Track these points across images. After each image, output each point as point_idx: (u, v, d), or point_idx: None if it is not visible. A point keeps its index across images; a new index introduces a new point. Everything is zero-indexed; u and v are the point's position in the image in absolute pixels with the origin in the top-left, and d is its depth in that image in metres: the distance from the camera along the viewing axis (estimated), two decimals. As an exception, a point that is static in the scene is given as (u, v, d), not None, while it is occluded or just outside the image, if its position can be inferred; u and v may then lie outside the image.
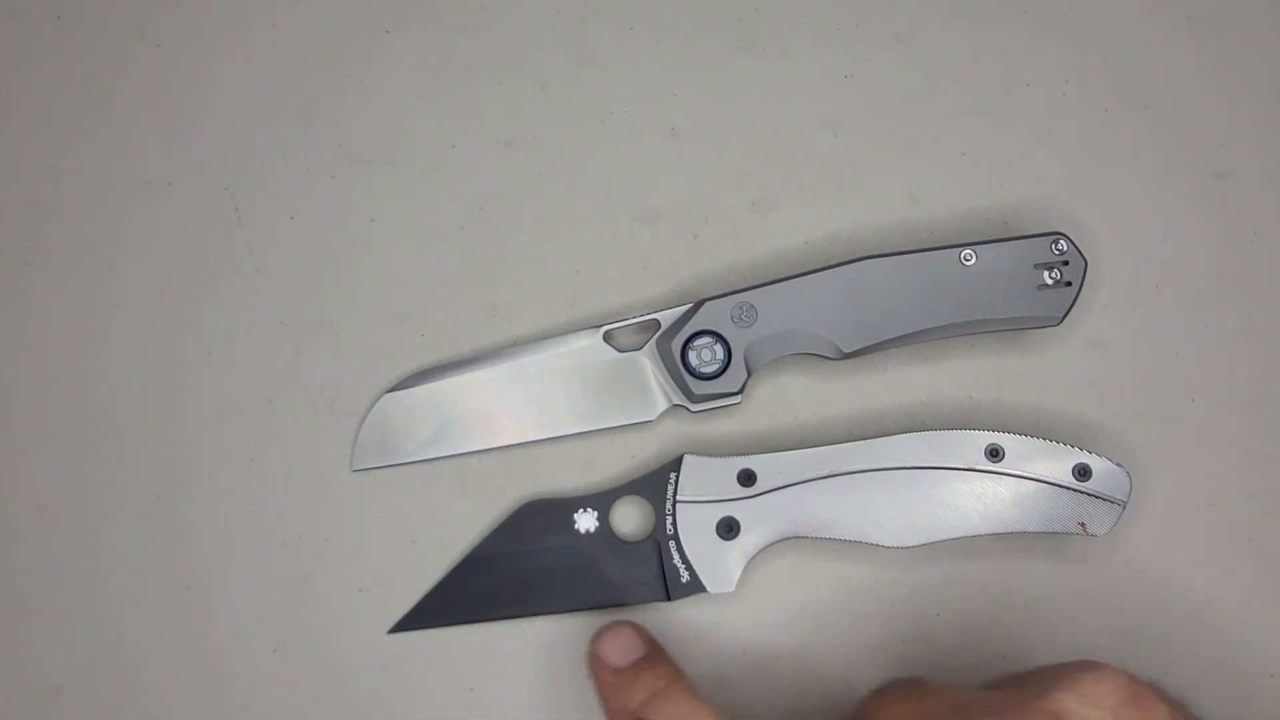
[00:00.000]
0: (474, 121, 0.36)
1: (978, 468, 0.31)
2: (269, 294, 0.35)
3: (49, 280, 0.35)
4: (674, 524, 0.32)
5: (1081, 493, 0.31)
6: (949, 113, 0.36)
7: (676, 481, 0.32)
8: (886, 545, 0.31)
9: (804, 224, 0.35)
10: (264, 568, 0.33)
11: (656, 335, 0.33)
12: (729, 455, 0.32)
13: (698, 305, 0.32)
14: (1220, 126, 0.36)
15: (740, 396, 0.33)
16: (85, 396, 0.34)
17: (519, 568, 0.32)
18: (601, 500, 0.33)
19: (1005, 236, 0.33)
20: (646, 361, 0.33)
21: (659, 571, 0.32)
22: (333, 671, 0.33)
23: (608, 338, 0.33)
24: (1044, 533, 0.32)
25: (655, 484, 0.32)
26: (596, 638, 0.30)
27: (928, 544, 0.31)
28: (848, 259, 0.32)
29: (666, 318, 0.33)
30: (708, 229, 0.35)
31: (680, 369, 0.32)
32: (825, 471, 0.32)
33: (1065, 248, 0.32)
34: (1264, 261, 0.35)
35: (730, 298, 0.32)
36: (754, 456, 0.32)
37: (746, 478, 0.32)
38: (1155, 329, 0.35)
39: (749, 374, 0.32)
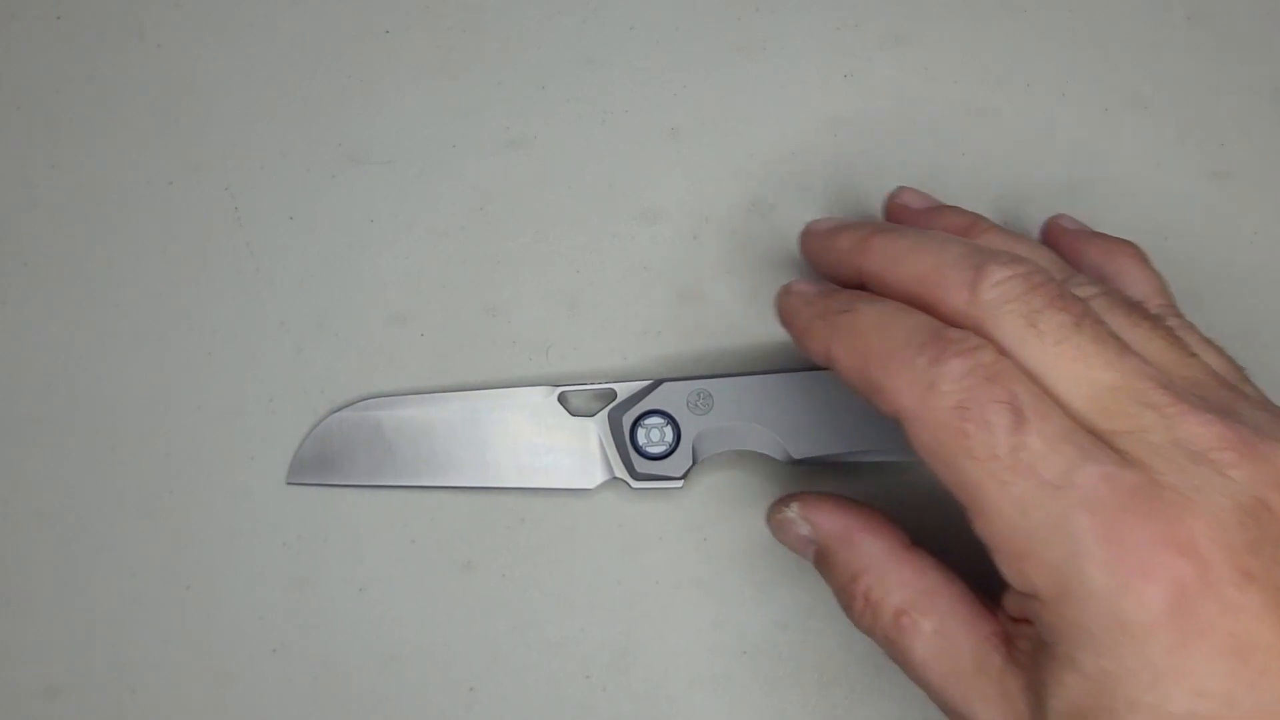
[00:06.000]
0: (474, 121, 0.36)
1: None
2: (269, 294, 0.35)
3: (49, 280, 0.35)
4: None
5: None
6: (949, 113, 0.36)
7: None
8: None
9: (804, 224, 0.35)
10: (264, 568, 0.34)
11: (610, 406, 0.33)
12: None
13: (656, 384, 0.32)
14: (1219, 126, 0.36)
15: (682, 482, 0.32)
16: (85, 396, 0.34)
17: None
18: None
19: (1005, 236, 0.33)
20: (595, 430, 0.33)
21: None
22: (333, 671, 0.33)
23: (562, 399, 0.33)
24: None
25: None
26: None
27: None
28: (813, 365, 0.30)
29: (623, 390, 0.33)
30: (708, 229, 0.35)
31: (628, 444, 0.32)
32: None
33: (1065, 248, 0.32)
34: (1264, 261, 0.35)
35: (689, 383, 0.32)
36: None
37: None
38: (1155, 329, 0.35)
39: (694, 461, 0.32)
